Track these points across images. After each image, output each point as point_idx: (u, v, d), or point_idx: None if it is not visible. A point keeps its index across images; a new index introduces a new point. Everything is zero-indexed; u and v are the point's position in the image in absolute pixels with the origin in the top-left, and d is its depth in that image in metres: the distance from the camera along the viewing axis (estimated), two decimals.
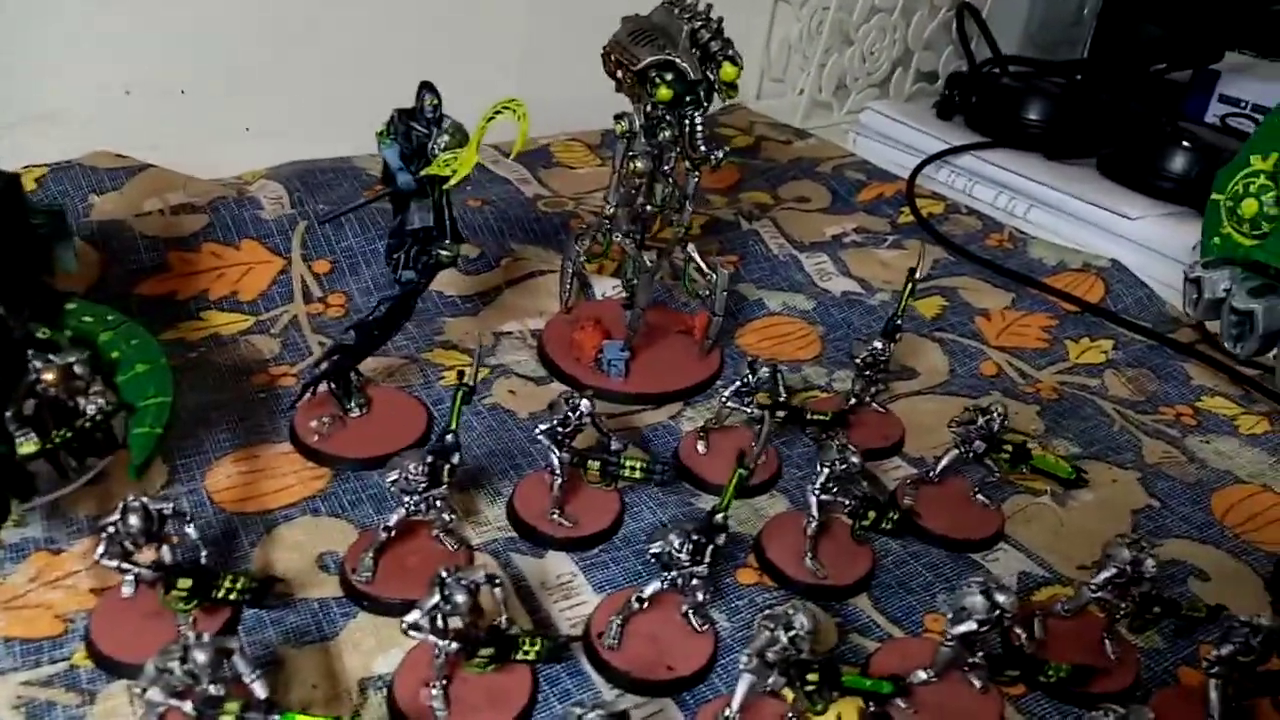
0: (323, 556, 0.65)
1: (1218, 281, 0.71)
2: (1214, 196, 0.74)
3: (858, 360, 0.80)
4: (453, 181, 0.63)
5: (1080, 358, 0.98)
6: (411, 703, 0.55)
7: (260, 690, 0.48)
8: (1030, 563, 0.71)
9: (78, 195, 0.92)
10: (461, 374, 0.63)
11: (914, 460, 0.81)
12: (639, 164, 0.77)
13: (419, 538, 0.65)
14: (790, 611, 0.51)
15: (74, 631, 0.57)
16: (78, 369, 0.56)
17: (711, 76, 0.74)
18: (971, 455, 0.72)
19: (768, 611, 0.53)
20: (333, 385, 0.74)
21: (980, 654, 0.57)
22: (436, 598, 0.52)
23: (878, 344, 0.79)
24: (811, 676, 0.52)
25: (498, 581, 0.54)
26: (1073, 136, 1.32)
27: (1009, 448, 0.72)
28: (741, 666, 0.51)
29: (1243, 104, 1.42)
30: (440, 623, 0.52)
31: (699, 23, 0.74)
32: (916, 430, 0.83)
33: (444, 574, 0.52)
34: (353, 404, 0.75)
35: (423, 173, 0.64)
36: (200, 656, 0.46)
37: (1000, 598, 0.54)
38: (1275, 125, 0.70)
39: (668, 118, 0.77)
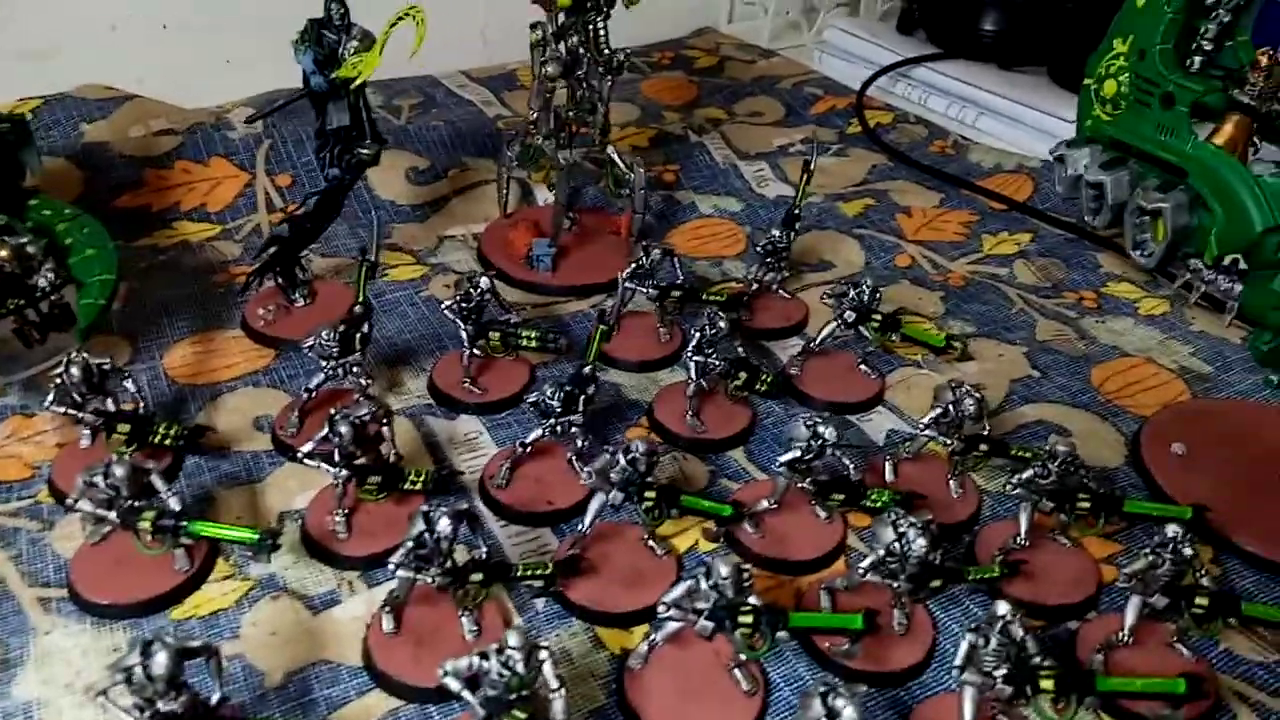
0: (259, 419, 0.74)
1: (1079, 159, 0.76)
2: (1085, 81, 0.78)
3: (758, 248, 0.86)
4: (358, 81, 0.71)
5: (994, 249, 1.03)
6: (318, 527, 0.64)
7: (174, 504, 0.58)
8: (901, 422, 0.78)
9: (69, 124, 1.02)
10: (364, 250, 0.71)
11: (813, 340, 0.87)
12: (549, 69, 0.84)
13: (342, 401, 0.74)
14: (628, 440, 0.59)
15: (40, 476, 0.67)
16: (30, 249, 0.65)
17: None
18: (845, 325, 0.78)
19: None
20: (279, 279, 0.83)
21: (809, 480, 0.64)
22: (325, 430, 0.60)
23: (775, 232, 0.85)
24: (649, 494, 0.59)
25: (384, 419, 0.63)
26: (1026, 46, 1.35)
27: (879, 316, 0.78)
28: (582, 482, 0.59)
29: None
30: (333, 454, 0.61)
31: None
32: (821, 313, 0.89)
33: (333, 410, 0.61)
34: (297, 295, 0.84)
35: (333, 75, 0.72)
36: (119, 471, 0.56)
37: (822, 429, 0.61)
38: (1133, 8, 0.74)
39: (576, 24, 0.83)
